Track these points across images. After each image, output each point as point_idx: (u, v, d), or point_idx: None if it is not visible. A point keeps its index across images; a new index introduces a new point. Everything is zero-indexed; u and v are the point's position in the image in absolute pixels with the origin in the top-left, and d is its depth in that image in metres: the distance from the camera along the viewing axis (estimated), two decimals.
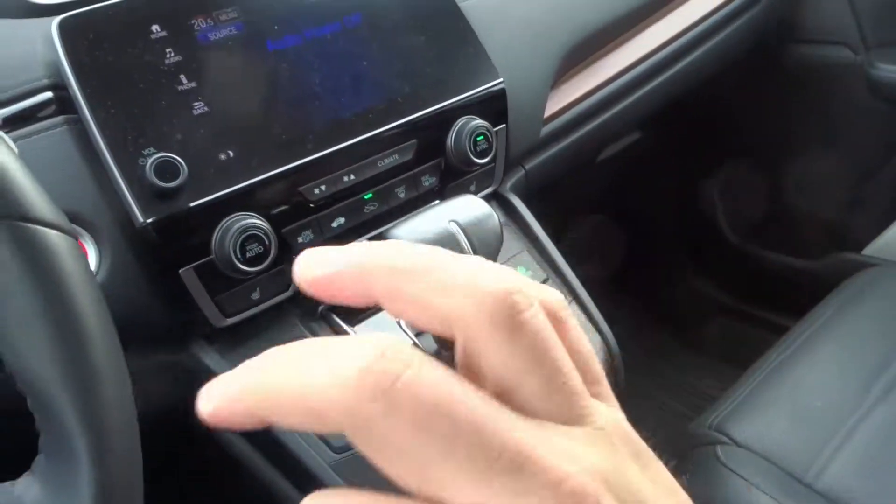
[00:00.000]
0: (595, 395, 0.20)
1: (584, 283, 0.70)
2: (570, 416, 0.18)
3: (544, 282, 0.67)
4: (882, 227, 1.26)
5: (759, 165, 1.33)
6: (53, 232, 0.31)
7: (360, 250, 0.19)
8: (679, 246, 1.49)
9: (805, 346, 0.86)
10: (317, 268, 0.20)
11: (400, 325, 0.59)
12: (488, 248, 0.52)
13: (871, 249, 1.26)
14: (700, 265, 1.47)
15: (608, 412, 0.19)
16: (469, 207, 0.53)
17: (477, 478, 0.16)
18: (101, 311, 0.31)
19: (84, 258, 0.32)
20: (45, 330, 0.29)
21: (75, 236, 0.33)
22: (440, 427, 0.16)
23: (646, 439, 0.20)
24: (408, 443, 0.16)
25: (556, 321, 0.19)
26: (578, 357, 0.20)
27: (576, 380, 0.19)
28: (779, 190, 1.31)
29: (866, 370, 0.82)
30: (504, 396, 0.18)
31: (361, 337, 0.17)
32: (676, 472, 0.91)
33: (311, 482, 0.52)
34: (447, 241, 0.50)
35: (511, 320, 0.18)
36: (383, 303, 0.19)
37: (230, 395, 0.19)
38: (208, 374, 0.53)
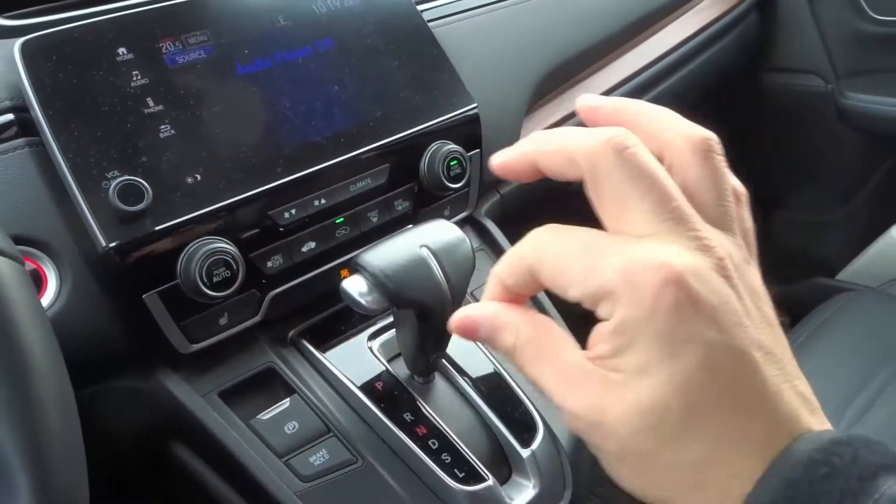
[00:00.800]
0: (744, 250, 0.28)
1: (558, 309, 0.69)
2: (723, 225, 0.28)
3: None
4: (855, 252, 1.28)
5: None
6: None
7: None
8: None
9: None
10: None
11: (371, 350, 0.59)
12: (460, 273, 0.51)
13: (844, 275, 1.27)
14: None
15: (749, 264, 0.28)
16: (441, 232, 0.52)
17: (654, 217, 0.25)
18: (47, 340, 0.30)
19: (30, 285, 0.31)
20: None
21: (21, 262, 0.32)
22: (643, 181, 0.26)
23: None
24: (621, 185, 0.26)
25: (738, 193, 0.29)
26: (742, 220, 0.29)
27: (736, 227, 0.28)
28: (753, 215, 1.32)
29: (840, 395, 0.82)
30: (693, 203, 0.27)
31: (607, 129, 0.27)
32: None
33: None
34: (419, 266, 0.49)
35: (708, 152, 0.28)
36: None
37: (518, 151, 0.29)
38: (173, 402, 0.52)
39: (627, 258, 0.25)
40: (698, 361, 0.24)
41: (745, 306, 0.26)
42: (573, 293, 0.26)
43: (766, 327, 0.26)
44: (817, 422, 0.26)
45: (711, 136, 0.28)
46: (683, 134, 0.28)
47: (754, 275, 0.28)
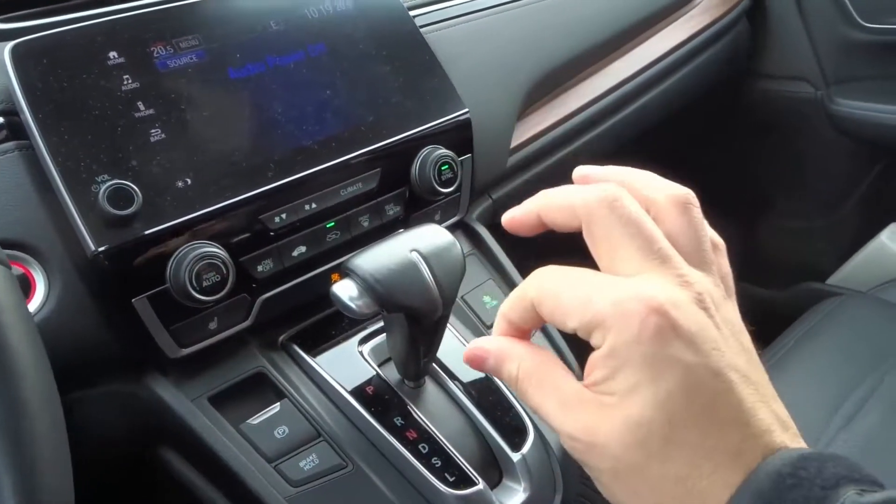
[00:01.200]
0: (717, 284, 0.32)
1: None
2: (703, 267, 0.31)
3: None
4: (845, 257, 1.28)
5: (725, 197, 1.35)
6: None
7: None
8: None
9: (769, 373, 0.86)
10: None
11: (361, 355, 0.59)
12: (451, 277, 0.51)
13: (835, 279, 1.28)
14: None
15: (727, 300, 0.31)
16: (431, 236, 0.52)
17: (641, 258, 0.29)
18: (33, 344, 0.29)
19: (17, 289, 0.31)
20: None
21: (8, 265, 0.31)
22: (631, 227, 0.30)
23: None
24: (612, 231, 0.30)
25: (715, 243, 0.33)
26: (721, 266, 0.32)
27: (714, 268, 0.31)
28: (744, 221, 1.33)
29: (830, 397, 0.83)
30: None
31: (600, 185, 0.31)
32: None
33: None
34: (409, 270, 0.49)
35: (687, 205, 0.31)
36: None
37: (525, 208, 0.34)
38: (163, 406, 0.52)
39: (617, 292, 0.28)
40: (679, 381, 0.27)
41: (723, 334, 0.29)
42: (570, 324, 0.29)
43: (742, 353, 0.29)
44: (790, 438, 0.28)
45: (689, 193, 0.32)
46: (665, 191, 0.32)
47: (732, 310, 0.31)
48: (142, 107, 0.50)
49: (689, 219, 0.31)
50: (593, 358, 0.29)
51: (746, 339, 0.31)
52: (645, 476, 0.28)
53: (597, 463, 0.29)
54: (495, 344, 0.33)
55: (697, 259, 0.31)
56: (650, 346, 0.27)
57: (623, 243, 0.30)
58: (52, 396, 0.30)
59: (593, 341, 0.29)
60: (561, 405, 0.30)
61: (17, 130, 0.48)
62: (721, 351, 0.28)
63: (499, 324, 0.33)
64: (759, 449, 0.27)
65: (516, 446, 0.56)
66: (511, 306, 0.32)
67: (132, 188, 0.47)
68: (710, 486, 0.27)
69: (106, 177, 0.47)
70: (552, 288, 0.30)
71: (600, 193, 0.30)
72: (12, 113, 0.48)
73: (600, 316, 0.28)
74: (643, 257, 0.29)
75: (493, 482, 0.55)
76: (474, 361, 0.33)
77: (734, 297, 0.32)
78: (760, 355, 0.32)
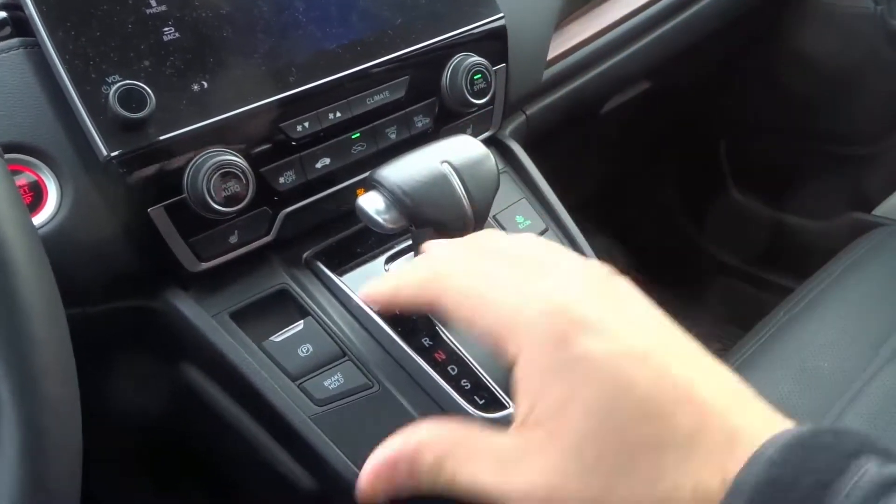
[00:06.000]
0: None
1: (585, 236, 0.66)
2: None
3: (543, 232, 0.63)
4: (894, 186, 1.22)
5: (770, 121, 1.28)
6: None
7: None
8: (682, 203, 1.45)
9: (812, 305, 0.83)
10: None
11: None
12: (484, 191, 0.48)
13: (882, 210, 1.22)
14: (703, 223, 1.43)
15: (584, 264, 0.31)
16: (464, 148, 0.49)
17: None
18: (28, 235, 0.27)
19: (8, 177, 0.29)
20: None
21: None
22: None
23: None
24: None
25: None
26: None
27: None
28: (789, 147, 1.27)
29: (874, 331, 0.79)
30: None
31: (418, 262, 0.33)
32: None
33: (292, 436, 0.49)
34: (439, 183, 0.46)
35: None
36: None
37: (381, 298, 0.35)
38: (183, 322, 0.51)
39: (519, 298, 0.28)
40: (603, 380, 0.25)
41: (628, 316, 0.27)
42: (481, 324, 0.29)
43: (662, 331, 0.27)
44: (755, 413, 0.25)
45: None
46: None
47: (627, 285, 0.29)
48: (153, 3, 0.46)
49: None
50: (514, 384, 0.27)
51: (658, 314, 0.28)
52: (611, 498, 0.24)
53: None
54: (387, 449, 0.27)
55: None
56: (560, 353, 0.25)
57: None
58: (53, 294, 0.28)
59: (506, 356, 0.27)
60: (501, 468, 0.26)
61: (21, 26, 0.45)
62: (635, 335, 0.26)
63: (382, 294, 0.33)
64: (720, 429, 0.24)
65: None
66: (409, 286, 0.32)
67: (145, 90, 0.44)
68: (691, 480, 0.24)
69: (117, 77, 0.44)
70: (473, 285, 0.29)
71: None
72: (16, 7, 0.45)
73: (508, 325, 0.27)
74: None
75: None
76: (384, 482, 0.27)
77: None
78: (804, 285, 0.30)
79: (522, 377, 0.26)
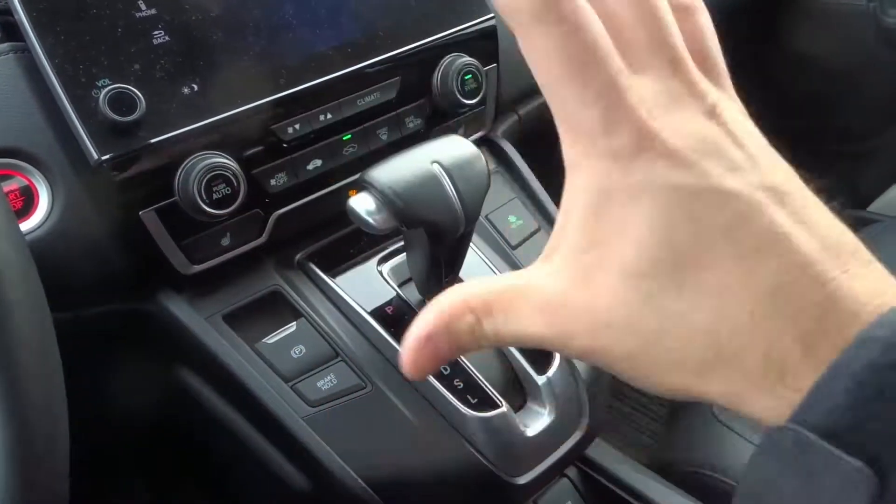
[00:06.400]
0: (711, 81, 0.23)
1: None
2: (680, 82, 0.22)
3: (536, 232, 0.63)
4: (888, 183, 1.23)
5: (764, 118, 1.28)
6: None
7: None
8: None
9: None
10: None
11: (381, 274, 0.57)
12: (474, 191, 0.48)
13: (876, 206, 1.23)
14: None
15: (720, 95, 0.23)
16: (454, 148, 0.49)
17: (576, 94, 0.21)
18: (11, 235, 0.27)
19: None
20: None
21: None
22: (569, 45, 0.21)
23: None
24: (551, 47, 0.21)
25: (685, 9, 0.23)
26: (695, 40, 0.23)
27: (684, 50, 0.22)
28: (783, 144, 1.27)
29: None
30: (619, 42, 0.21)
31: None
32: (668, 425, 0.89)
33: (285, 436, 0.49)
34: (430, 183, 0.46)
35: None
36: None
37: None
38: (177, 325, 0.51)
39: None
40: (682, 207, 0.20)
41: (740, 144, 0.22)
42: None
43: (776, 169, 0.22)
44: (854, 265, 0.21)
45: None
46: None
47: (743, 113, 0.24)
48: (143, 6, 0.46)
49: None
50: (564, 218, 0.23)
51: (769, 147, 0.23)
52: (667, 340, 0.21)
53: (604, 350, 0.22)
54: (421, 324, 0.24)
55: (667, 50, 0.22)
56: (634, 174, 0.21)
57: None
58: (35, 285, 0.28)
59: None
60: (544, 313, 0.22)
61: (11, 32, 0.45)
62: (742, 169, 0.21)
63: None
64: (812, 283, 0.20)
65: (541, 369, 0.54)
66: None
67: (135, 93, 0.44)
68: (759, 339, 0.20)
69: (107, 81, 0.44)
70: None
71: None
72: (6, 13, 0.45)
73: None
74: (580, 98, 0.21)
75: (517, 405, 0.53)
76: (424, 361, 0.24)
77: (726, 77, 0.24)
78: None
79: (578, 188, 0.22)
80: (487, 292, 0.23)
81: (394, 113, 0.56)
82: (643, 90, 0.21)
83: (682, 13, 0.23)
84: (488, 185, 0.50)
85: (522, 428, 0.52)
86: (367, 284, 0.55)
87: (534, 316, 0.22)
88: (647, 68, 0.22)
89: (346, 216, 0.48)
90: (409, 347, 0.24)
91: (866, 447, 0.18)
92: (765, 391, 0.20)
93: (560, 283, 0.22)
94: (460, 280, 0.56)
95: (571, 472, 0.65)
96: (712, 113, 0.22)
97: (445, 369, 0.52)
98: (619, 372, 0.22)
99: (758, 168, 0.21)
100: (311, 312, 0.53)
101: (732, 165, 0.21)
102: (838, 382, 0.19)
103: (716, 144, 0.21)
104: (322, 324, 0.52)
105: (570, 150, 0.22)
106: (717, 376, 0.21)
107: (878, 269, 0.21)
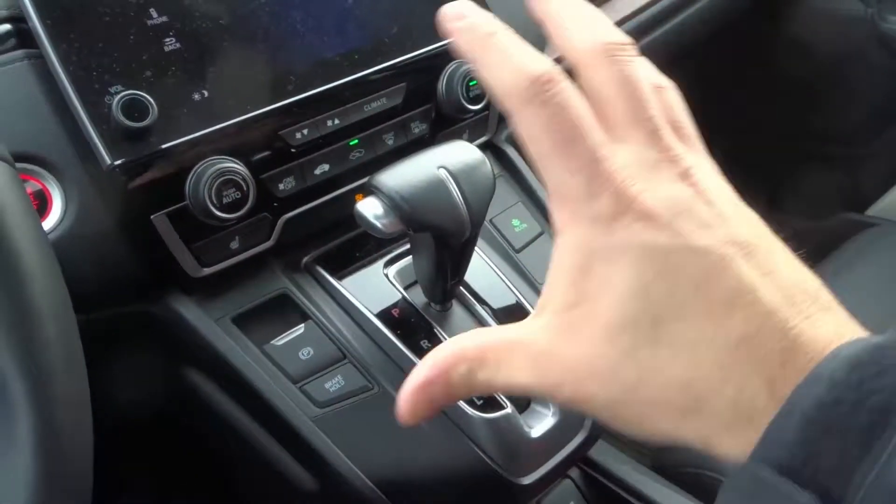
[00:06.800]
0: (685, 146, 0.25)
1: None
2: (657, 150, 0.24)
3: (539, 236, 0.64)
4: (886, 186, 1.23)
5: (763, 121, 1.29)
6: None
7: None
8: None
9: None
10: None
11: (387, 277, 0.57)
12: (480, 195, 0.49)
13: (874, 210, 1.23)
14: None
15: (694, 158, 0.25)
16: (460, 153, 0.50)
17: (563, 165, 0.23)
18: (40, 242, 0.28)
19: (21, 186, 0.29)
20: None
21: (11, 163, 0.30)
22: (555, 123, 0.24)
23: None
24: (540, 126, 0.24)
25: (658, 86, 0.26)
26: (669, 111, 0.26)
27: (660, 121, 0.25)
28: (782, 148, 1.28)
29: (866, 331, 0.80)
30: (601, 117, 0.24)
31: (532, 55, 0.26)
32: None
33: (293, 437, 0.50)
34: (436, 188, 0.47)
35: (613, 59, 0.25)
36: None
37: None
38: (186, 327, 0.52)
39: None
40: (657, 266, 0.22)
41: (711, 203, 0.24)
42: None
43: (743, 222, 0.24)
44: (816, 311, 0.22)
45: (623, 48, 0.27)
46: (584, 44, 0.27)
47: (713, 172, 0.26)
48: (154, 14, 0.47)
49: (618, 70, 0.25)
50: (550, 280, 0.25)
51: (739, 203, 0.25)
52: (645, 390, 0.22)
53: (588, 399, 0.23)
54: (418, 373, 0.25)
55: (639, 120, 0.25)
56: (615, 236, 0.23)
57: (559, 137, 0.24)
58: (63, 297, 0.29)
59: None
60: (533, 364, 0.24)
61: (25, 38, 0.46)
62: (712, 226, 0.23)
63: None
64: (774, 332, 0.22)
65: None
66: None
67: (147, 99, 0.45)
68: (729, 386, 0.21)
69: (119, 87, 0.45)
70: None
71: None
72: (20, 20, 0.46)
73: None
74: (565, 167, 0.24)
75: (522, 406, 0.54)
76: (420, 408, 0.25)
77: (701, 149, 0.27)
78: None
79: (565, 250, 0.24)
80: (482, 344, 0.25)
81: (400, 118, 0.57)
82: (623, 159, 0.24)
83: (657, 89, 0.26)
84: (493, 190, 0.50)
85: (527, 429, 0.52)
86: (374, 287, 0.56)
87: (524, 367, 0.24)
88: (627, 139, 0.24)
89: (352, 219, 0.48)
90: (407, 394, 0.26)
91: (818, 481, 0.19)
92: (735, 433, 0.22)
93: (549, 337, 0.24)
94: (465, 283, 0.57)
95: (574, 472, 0.66)
96: (685, 175, 0.24)
97: None
98: (603, 419, 0.24)
99: (727, 223, 0.23)
100: (319, 315, 0.54)
101: (703, 223, 0.23)
102: (791, 420, 0.20)
103: (688, 204, 0.23)
104: (329, 326, 0.53)
105: (559, 215, 0.24)
106: (691, 422, 0.22)
107: (839, 313, 0.23)
